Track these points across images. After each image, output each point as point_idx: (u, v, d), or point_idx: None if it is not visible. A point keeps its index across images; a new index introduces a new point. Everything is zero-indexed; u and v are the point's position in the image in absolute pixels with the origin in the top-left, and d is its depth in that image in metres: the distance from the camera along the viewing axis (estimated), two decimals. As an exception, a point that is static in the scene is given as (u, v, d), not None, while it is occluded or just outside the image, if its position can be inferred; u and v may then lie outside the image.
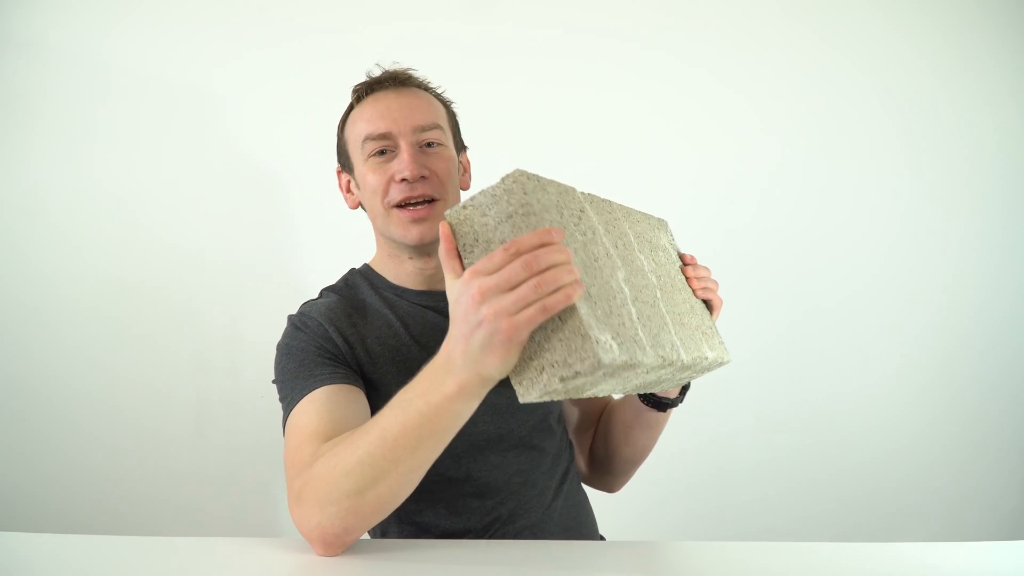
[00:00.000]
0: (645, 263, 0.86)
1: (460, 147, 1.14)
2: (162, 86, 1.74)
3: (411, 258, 1.07)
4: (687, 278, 0.95)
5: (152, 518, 1.70)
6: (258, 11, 1.76)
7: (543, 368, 0.70)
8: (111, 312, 1.72)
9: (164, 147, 1.74)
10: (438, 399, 0.74)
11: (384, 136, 1.04)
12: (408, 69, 1.11)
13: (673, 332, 0.82)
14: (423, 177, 1.02)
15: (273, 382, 1.01)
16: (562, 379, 0.68)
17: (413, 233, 1.03)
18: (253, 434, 1.73)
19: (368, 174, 1.05)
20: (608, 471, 1.18)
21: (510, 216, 0.71)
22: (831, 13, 1.87)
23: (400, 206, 1.03)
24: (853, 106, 1.87)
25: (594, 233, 0.78)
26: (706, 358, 0.86)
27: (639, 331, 0.74)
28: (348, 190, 1.14)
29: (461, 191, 1.12)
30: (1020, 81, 1.89)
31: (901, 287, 1.87)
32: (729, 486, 1.82)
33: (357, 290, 1.11)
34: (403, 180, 1.02)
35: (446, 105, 1.13)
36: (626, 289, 0.77)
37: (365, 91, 1.09)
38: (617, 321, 0.72)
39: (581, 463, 1.20)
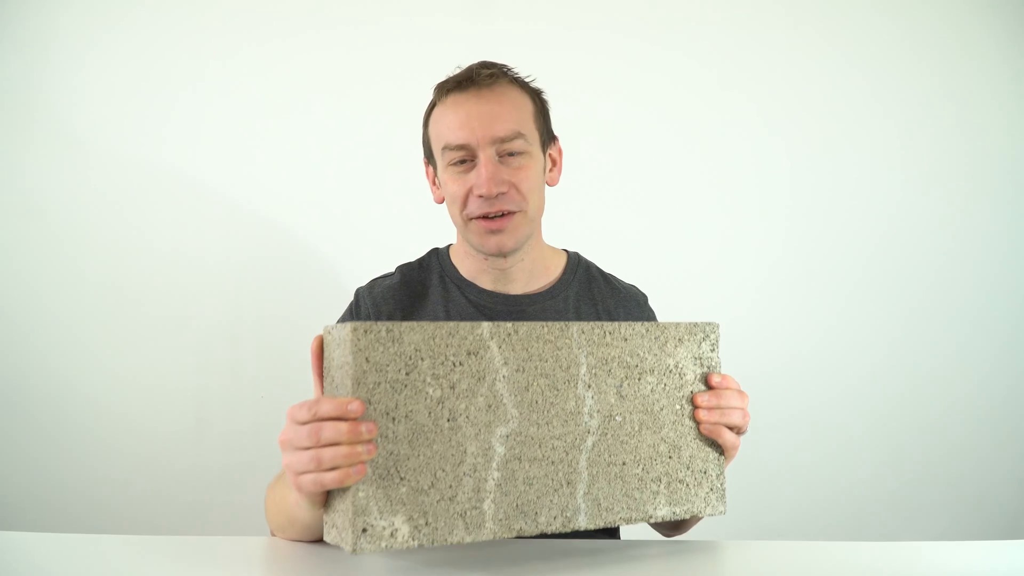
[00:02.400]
0: (589, 402, 0.79)
1: (549, 140, 1.11)
2: (161, 85, 1.74)
3: (486, 258, 1.08)
4: (696, 408, 0.84)
5: (152, 517, 1.70)
6: (256, 9, 1.76)
7: (333, 524, 0.72)
8: (111, 312, 1.72)
9: (163, 146, 1.74)
10: (292, 498, 0.76)
11: (462, 147, 1.02)
12: (491, 66, 1.05)
13: (581, 493, 0.77)
14: (501, 192, 1.01)
15: None
16: (338, 549, 0.71)
17: (491, 243, 1.04)
18: (253, 434, 1.73)
19: (448, 182, 1.04)
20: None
21: (341, 366, 0.71)
22: (836, 17, 1.87)
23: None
24: (856, 108, 1.87)
25: (479, 380, 0.74)
26: (651, 516, 0.80)
27: (484, 503, 0.73)
28: (435, 183, 1.12)
29: (548, 187, 1.11)
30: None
31: (900, 288, 1.87)
32: (729, 486, 1.81)
33: (428, 273, 1.14)
34: (481, 196, 1.01)
35: (534, 98, 1.09)
36: (499, 449, 0.74)
37: (446, 92, 1.05)
38: (435, 498, 0.71)
39: None
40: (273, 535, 0.92)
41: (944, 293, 1.87)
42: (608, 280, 1.17)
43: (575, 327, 0.79)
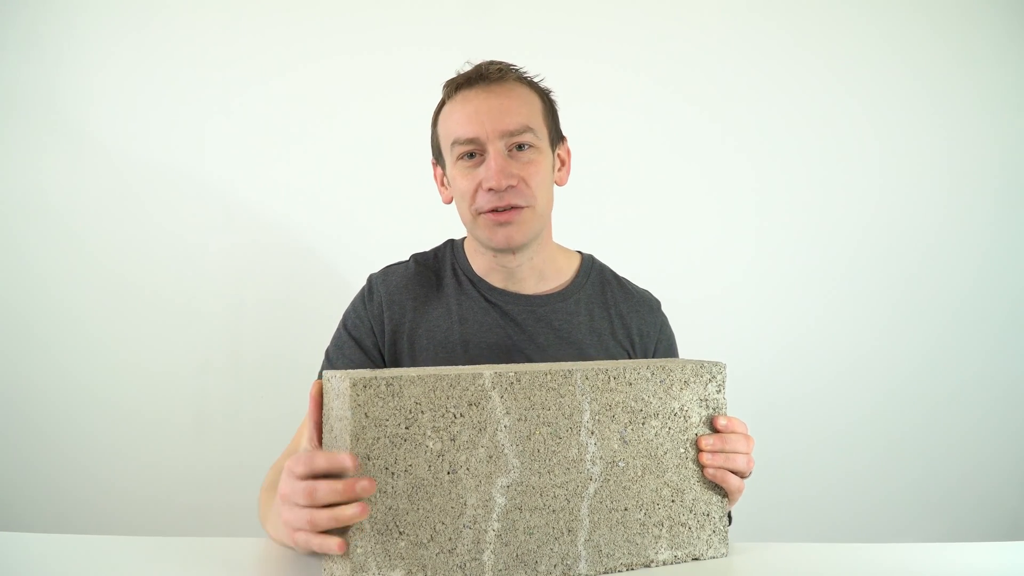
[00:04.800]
0: (592, 448, 0.77)
1: (557, 140, 1.11)
2: (168, 85, 1.74)
3: (495, 255, 1.08)
4: (700, 451, 0.83)
5: (152, 518, 1.70)
6: (257, 14, 1.76)
7: (331, 573, 0.72)
8: (111, 312, 1.72)
9: (164, 146, 1.74)
10: (284, 532, 0.75)
11: (472, 140, 1.02)
12: (500, 63, 1.05)
13: (582, 540, 0.77)
14: (511, 186, 1.01)
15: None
16: None
17: (499, 237, 1.03)
18: (253, 434, 1.73)
19: (457, 177, 1.04)
20: None
21: (340, 419, 0.70)
22: (832, 23, 1.87)
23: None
24: (846, 113, 1.87)
25: (480, 431, 0.73)
26: (652, 561, 0.80)
27: (484, 554, 0.73)
28: (443, 184, 1.12)
29: (557, 187, 1.11)
30: None
31: (901, 289, 1.87)
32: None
33: (443, 265, 1.14)
34: (490, 189, 1.00)
35: (543, 97, 1.09)
36: (499, 500, 0.74)
37: (455, 88, 1.05)
38: (435, 551, 0.71)
39: None
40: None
41: (943, 295, 1.87)
42: (622, 284, 1.16)
43: (579, 373, 0.77)
